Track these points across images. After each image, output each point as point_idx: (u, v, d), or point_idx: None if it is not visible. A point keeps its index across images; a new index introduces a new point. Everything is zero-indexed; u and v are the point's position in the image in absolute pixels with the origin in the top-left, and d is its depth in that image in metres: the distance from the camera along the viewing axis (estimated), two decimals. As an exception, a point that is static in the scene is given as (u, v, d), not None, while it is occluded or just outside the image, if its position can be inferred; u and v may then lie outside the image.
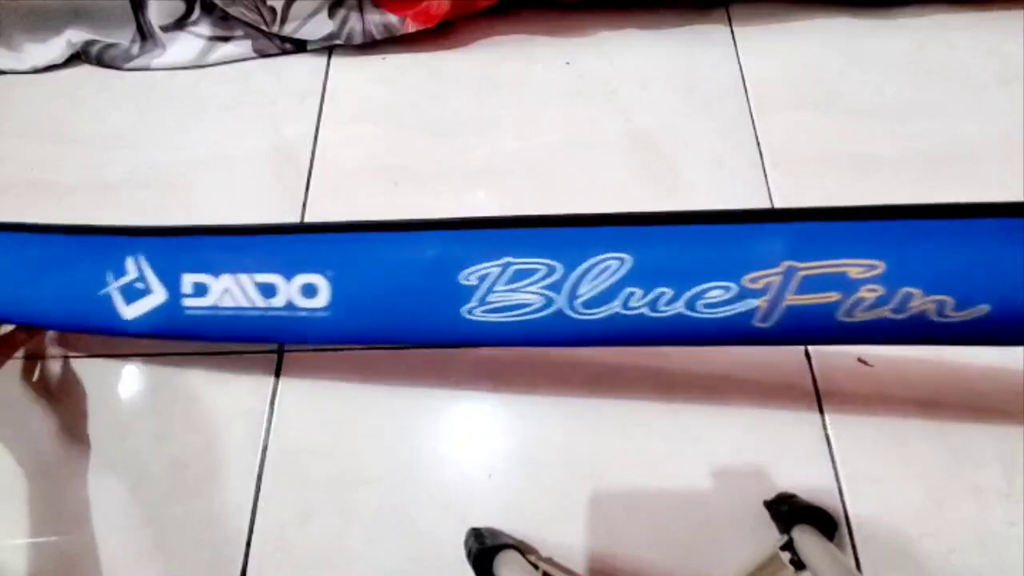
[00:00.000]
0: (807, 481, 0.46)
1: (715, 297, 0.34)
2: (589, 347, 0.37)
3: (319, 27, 0.66)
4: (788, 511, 0.43)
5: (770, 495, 0.45)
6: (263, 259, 0.40)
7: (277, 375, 0.53)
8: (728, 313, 0.34)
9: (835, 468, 0.47)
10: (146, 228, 0.43)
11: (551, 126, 0.63)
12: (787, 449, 0.47)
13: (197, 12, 0.68)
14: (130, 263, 0.42)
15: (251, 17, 0.65)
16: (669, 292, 0.34)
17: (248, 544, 0.47)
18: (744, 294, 0.34)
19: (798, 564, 0.40)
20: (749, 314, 0.34)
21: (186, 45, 0.69)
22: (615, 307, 0.35)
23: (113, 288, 0.43)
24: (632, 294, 0.35)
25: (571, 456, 0.48)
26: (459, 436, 0.50)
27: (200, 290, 0.41)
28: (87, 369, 0.54)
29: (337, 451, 0.50)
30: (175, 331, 0.42)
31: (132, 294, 0.42)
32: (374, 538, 0.47)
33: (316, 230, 0.41)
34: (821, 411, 0.49)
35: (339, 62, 0.69)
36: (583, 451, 0.48)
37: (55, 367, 0.54)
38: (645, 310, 0.35)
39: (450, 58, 0.68)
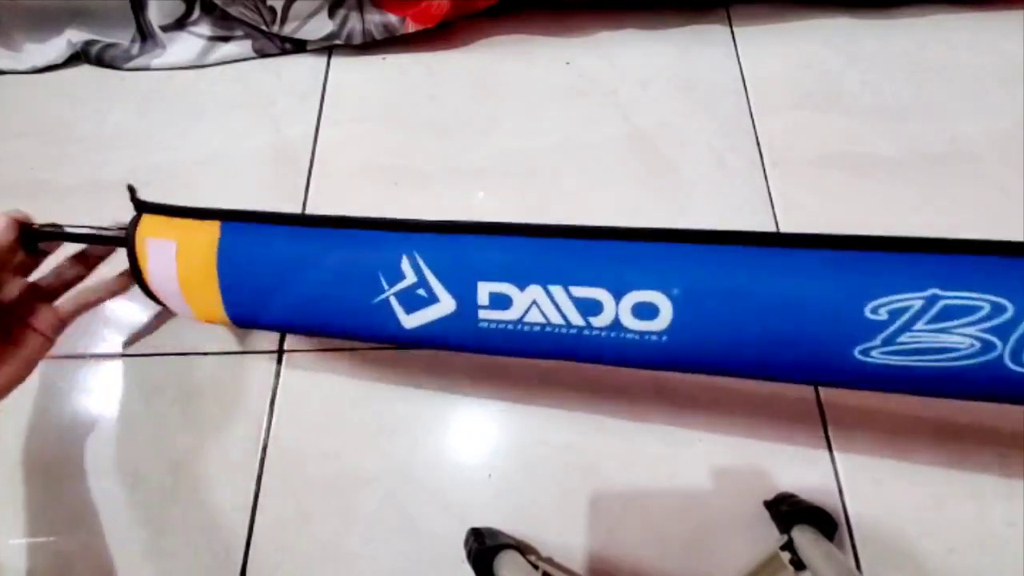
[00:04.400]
0: (807, 481, 0.46)
1: None
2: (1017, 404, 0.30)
3: (319, 27, 0.66)
4: (788, 511, 0.43)
5: (770, 495, 0.45)
6: (586, 269, 0.33)
7: (277, 375, 0.53)
8: None
9: (835, 468, 0.47)
10: (423, 223, 0.37)
11: (551, 126, 0.63)
12: (787, 449, 0.47)
13: (197, 12, 0.68)
14: (406, 265, 0.35)
15: (251, 17, 0.65)
16: None
17: (248, 544, 0.47)
18: None
19: (798, 564, 0.40)
20: None
21: (186, 45, 0.69)
22: None
23: (390, 294, 0.36)
24: None
25: (571, 456, 0.48)
26: (459, 436, 0.50)
27: (500, 302, 0.34)
28: (86, 368, 0.54)
29: (337, 451, 0.50)
30: (465, 344, 0.36)
31: (413, 302, 0.36)
32: (374, 538, 0.47)
33: (657, 237, 0.33)
34: (821, 411, 0.49)
35: (339, 62, 0.69)
36: (583, 451, 0.48)
37: (54, 367, 0.54)
38: None
39: (450, 58, 0.68)
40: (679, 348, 0.32)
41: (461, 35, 0.69)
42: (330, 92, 0.67)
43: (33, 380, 0.54)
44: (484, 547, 0.41)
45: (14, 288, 0.42)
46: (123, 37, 0.69)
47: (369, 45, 0.68)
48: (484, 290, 0.34)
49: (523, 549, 0.44)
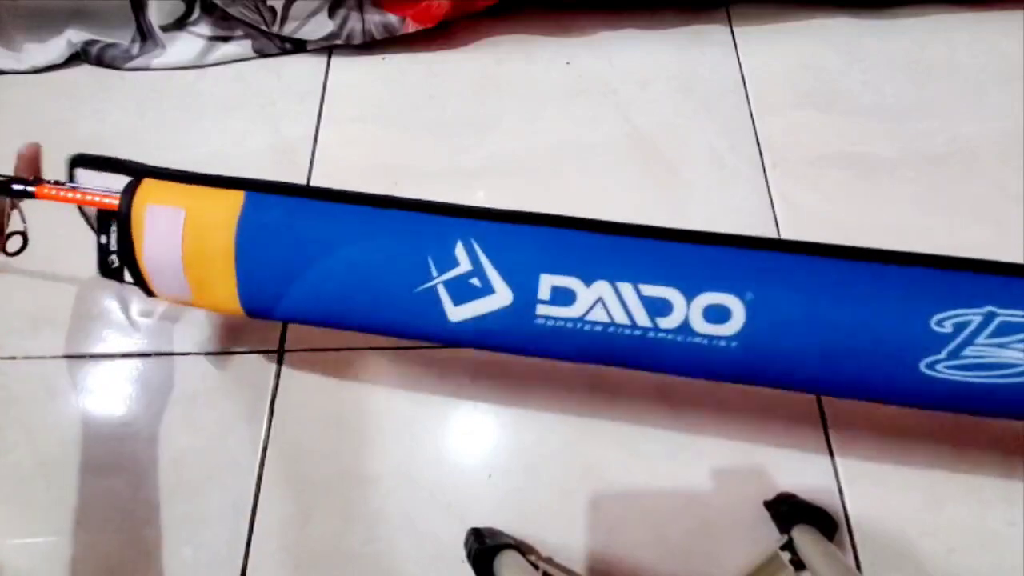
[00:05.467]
0: (807, 481, 0.46)
1: None
2: None
3: (319, 27, 0.66)
4: (788, 511, 0.43)
5: (770, 495, 0.45)
6: (658, 267, 0.32)
7: (277, 375, 0.53)
8: None
9: (835, 468, 0.47)
10: (481, 209, 0.34)
11: (551, 126, 0.63)
12: (787, 449, 0.47)
13: (197, 12, 0.67)
14: (461, 251, 0.33)
15: (251, 17, 0.65)
16: None
17: (248, 544, 0.47)
18: None
19: (798, 564, 0.40)
20: None
21: (186, 45, 0.69)
22: None
23: (438, 282, 0.34)
24: None
25: (571, 456, 0.48)
26: (459, 436, 0.50)
27: (563, 297, 0.32)
28: (86, 369, 0.54)
29: (337, 451, 0.50)
30: (517, 343, 0.34)
31: (464, 292, 0.33)
32: (374, 538, 0.47)
33: (733, 242, 0.32)
34: (821, 411, 0.49)
35: (339, 62, 0.69)
36: (583, 451, 0.48)
37: (54, 367, 0.54)
38: None
39: (450, 58, 0.68)
40: (748, 356, 0.32)
41: (461, 35, 0.69)
42: (330, 92, 0.67)
43: (34, 380, 0.54)
44: (484, 547, 0.41)
45: None
46: (123, 37, 0.69)
47: (369, 45, 0.68)
48: (546, 283, 0.32)
49: (523, 549, 0.44)
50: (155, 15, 0.67)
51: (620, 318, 0.32)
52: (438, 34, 0.68)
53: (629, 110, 0.63)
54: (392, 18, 0.65)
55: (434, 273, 0.34)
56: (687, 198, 0.58)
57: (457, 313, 0.34)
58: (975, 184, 0.57)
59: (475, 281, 0.33)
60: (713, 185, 0.58)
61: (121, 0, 0.66)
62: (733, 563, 0.43)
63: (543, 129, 0.63)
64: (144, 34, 0.69)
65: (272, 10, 0.63)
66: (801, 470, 0.47)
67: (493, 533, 0.45)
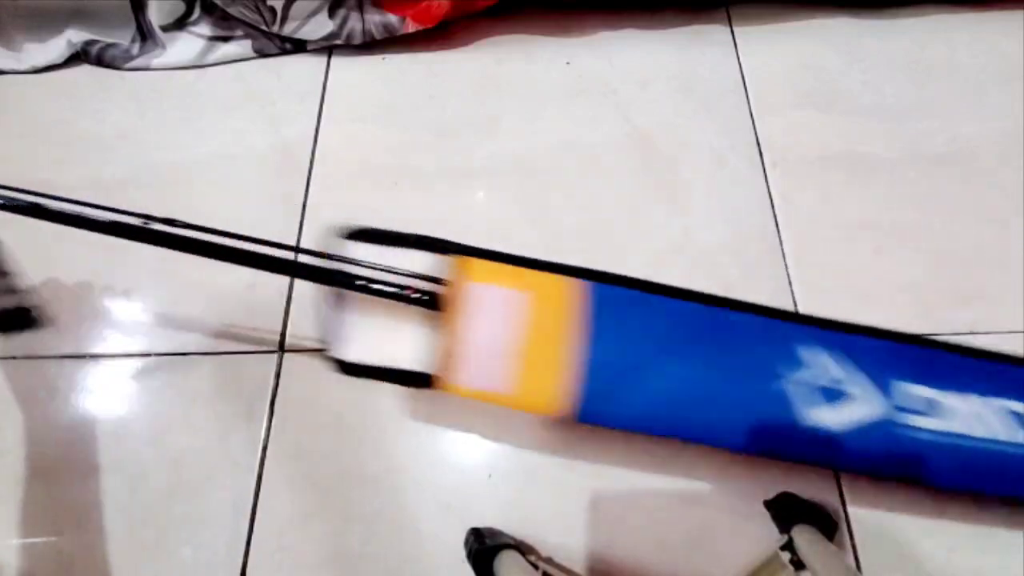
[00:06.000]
0: (807, 481, 0.46)
1: None
2: None
3: (319, 27, 0.66)
4: (788, 511, 0.43)
5: (770, 495, 0.45)
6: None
7: (277, 375, 0.53)
8: None
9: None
10: (825, 320, 0.36)
11: (551, 126, 0.63)
12: (787, 449, 0.47)
13: (197, 12, 0.68)
14: (830, 362, 0.35)
15: (251, 17, 0.65)
16: None
17: (248, 544, 0.47)
18: None
19: (798, 564, 0.40)
20: None
21: (186, 45, 0.69)
22: None
23: (797, 384, 0.35)
24: None
25: (571, 456, 0.48)
26: (459, 436, 0.50)
27: (927, 409, 0.35)
28: (86, 369, 0.54)
29: (337, 451, 0.50)
30: (896, 455, 0.35)
31: (824, 396, 0.35)
32: (374, 538, 0.47)
33: None
34: (821, 411, 0.49)
35: (339, 62, 0.69)
36: (583, 452, 0.48)
37: (54, 367, 0.54)
38: None
39: (450, 58, 0.68)
40: None
41: (461, 35, 0.69)
42: (330, 92, 0.67)
43: (34, 380, 0.54)
44: (484, 547, 0.41)
45: None
46: (123, 37, 0.69)
47: (369, 45, 0.68)
48: (907, 392, 0.34)
49: (523, 549, 0.44)
50: (155, 15, 0.67)
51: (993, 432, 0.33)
52: (438, 34, 0.68)
53: (629, 110, 0.63)
54: (392, 18, 0.65)
55: (794, 385, 0.34)
56: (687, 198, 0.58)
57: (828, 418, 0.35)
58: (975, 184, 0.57)
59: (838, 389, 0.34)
60: (713, 185, 0.58)
61: (121, 0, 0.66)
62: (733, 563, 0.43)
63: (543, 129, 0.63)
64: (144, 34, 0.69)
65: (272, 10, 0.63)
66: (802, 470, 0.47)
67: (493, 533, 0.45)
